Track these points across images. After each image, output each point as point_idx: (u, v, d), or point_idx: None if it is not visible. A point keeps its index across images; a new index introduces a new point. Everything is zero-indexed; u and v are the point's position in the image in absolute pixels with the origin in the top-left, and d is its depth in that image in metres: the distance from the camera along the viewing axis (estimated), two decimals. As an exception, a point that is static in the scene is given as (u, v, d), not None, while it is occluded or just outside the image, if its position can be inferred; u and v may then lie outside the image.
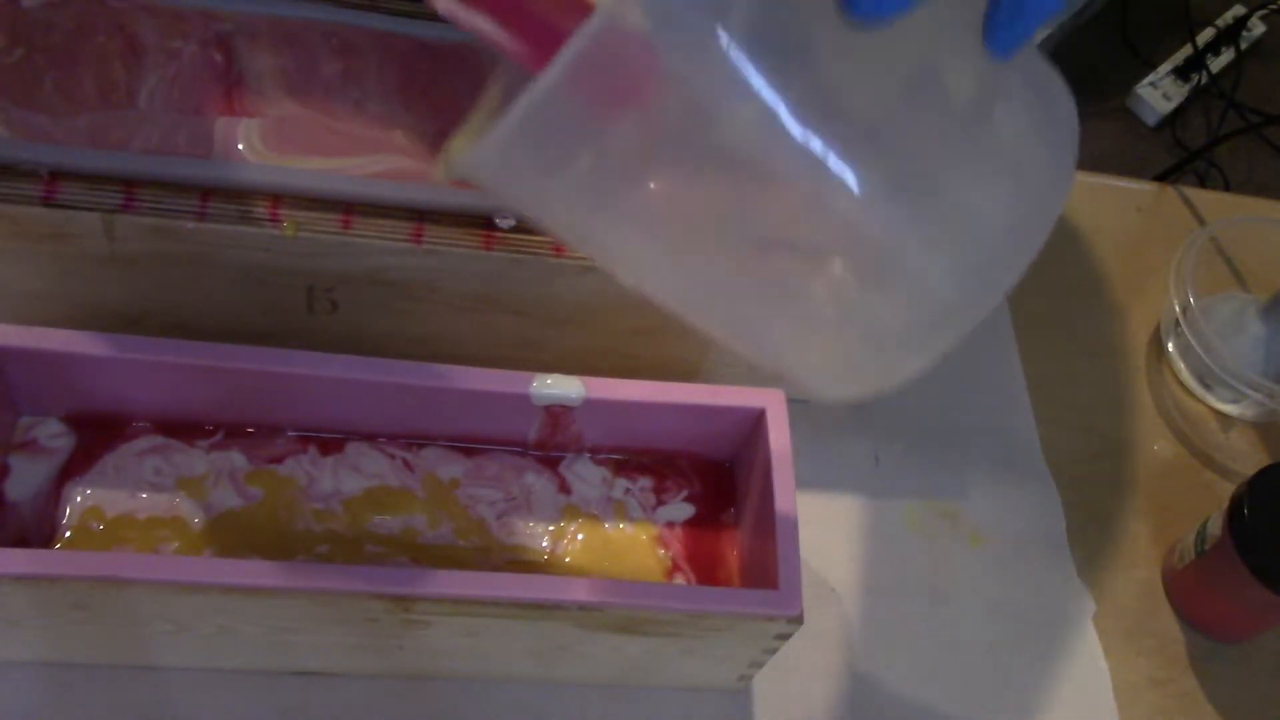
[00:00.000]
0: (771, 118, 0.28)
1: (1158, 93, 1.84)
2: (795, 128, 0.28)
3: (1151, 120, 1.84)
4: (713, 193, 0.31)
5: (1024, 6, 0.30)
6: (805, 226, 0.30)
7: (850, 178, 0.29)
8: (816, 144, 0.29)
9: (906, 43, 0.29)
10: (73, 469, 0.53)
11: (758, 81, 0.28)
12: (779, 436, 0.52)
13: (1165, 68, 1.86)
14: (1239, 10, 1.90)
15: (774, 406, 0.53)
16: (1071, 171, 0.32)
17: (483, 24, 0.34)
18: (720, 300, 0.34)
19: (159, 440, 0.54)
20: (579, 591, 0.48)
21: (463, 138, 0.36)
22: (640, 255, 0.34)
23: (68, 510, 0.52)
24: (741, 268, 0.33)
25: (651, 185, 0.31)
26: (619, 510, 0.57)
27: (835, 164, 0.29)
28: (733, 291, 0.33)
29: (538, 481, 0.56)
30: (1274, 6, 1.90)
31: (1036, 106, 0.33)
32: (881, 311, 0.32)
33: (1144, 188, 0.85)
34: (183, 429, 0.54)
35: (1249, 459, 0.72)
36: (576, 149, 0.29)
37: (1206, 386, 0.73)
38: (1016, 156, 0.32)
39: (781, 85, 0.28)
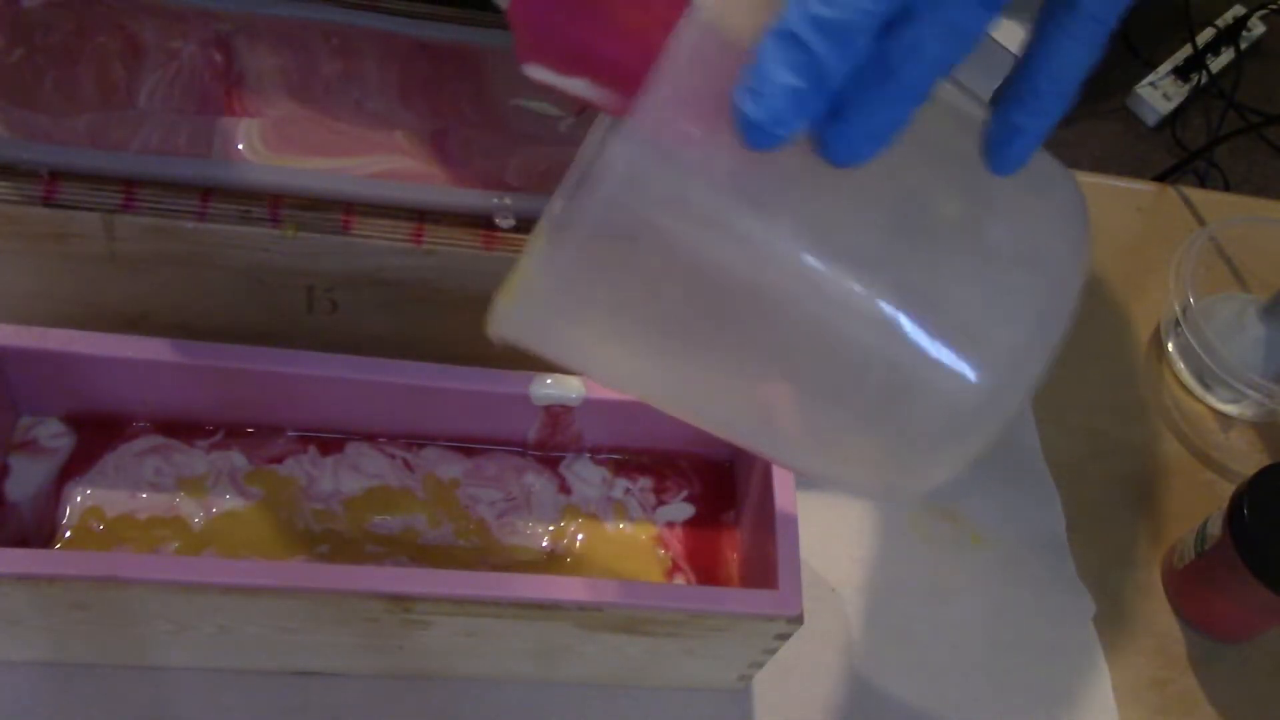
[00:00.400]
0: (769, 250, 0.30)
1: (1158, 93, 1.84)
2: (793, 257, 0.30)
3: (1151, 120, 1.84)
4: (726, 321, 0.32)
5: (1019, 135, 0.31)
6: (818, 350, 0.31)
7: (857, 300, 0.30)
8: (818, 270, 0.30)
9: (901, 163, 0.30)
10: (73, 469, 0.53)
11: (747, 220, 0.29)
12: (779, 436, 0.52)
13: (1165, 68, 1.86)
14: (1239, 10, 1.90)
15: (774, 406, 0.53)
16: (1084, 262, 0.33)
17: (580, 86, 0.34)
18: (754, 425, 0.36)
19: (159, 440, 0.54)
20: (579, 591, 0.48)
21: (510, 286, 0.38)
22: (662, 382, 0.36)
23: (68, 510, 0.52)
24: (767, 394, 0.34)
25: (672, 319, 0.33)
26: (619, 510, 0.57)
27: (841, 288, 0.30)
28: (761, 415, 0.35)
29: (538, 481, 0.56)
30: (1274, 6, 1.90)
31: (1042, 201, 0.33)
32: (906, 425, 0.33)
33: (1144, 188, 0.85)
34: (183, 429, 0.54)
35: (1249, 459, 0.72)
36: (601, 283, 0.31)
37: (1206, 386, 0.73)
38: (1023, 255, 0.32)
39: (772, 219, 0.30)
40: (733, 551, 0.56)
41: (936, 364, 0.31)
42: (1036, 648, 0.62)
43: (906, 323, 0.30)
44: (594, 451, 0.57)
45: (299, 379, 0.51)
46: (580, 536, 0.56)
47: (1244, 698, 0.63)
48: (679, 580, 0.55)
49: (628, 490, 0.57)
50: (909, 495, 0.35)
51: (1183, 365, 0.74)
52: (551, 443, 0.56)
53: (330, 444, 0.55)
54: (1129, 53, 1.90)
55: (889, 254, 0.31)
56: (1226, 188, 1.69)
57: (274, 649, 0.51)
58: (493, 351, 0.58)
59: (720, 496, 0.58)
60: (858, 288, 0.30)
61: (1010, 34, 1.77)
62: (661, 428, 0.56)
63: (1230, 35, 1.85)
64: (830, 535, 0.63)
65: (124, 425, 0.54)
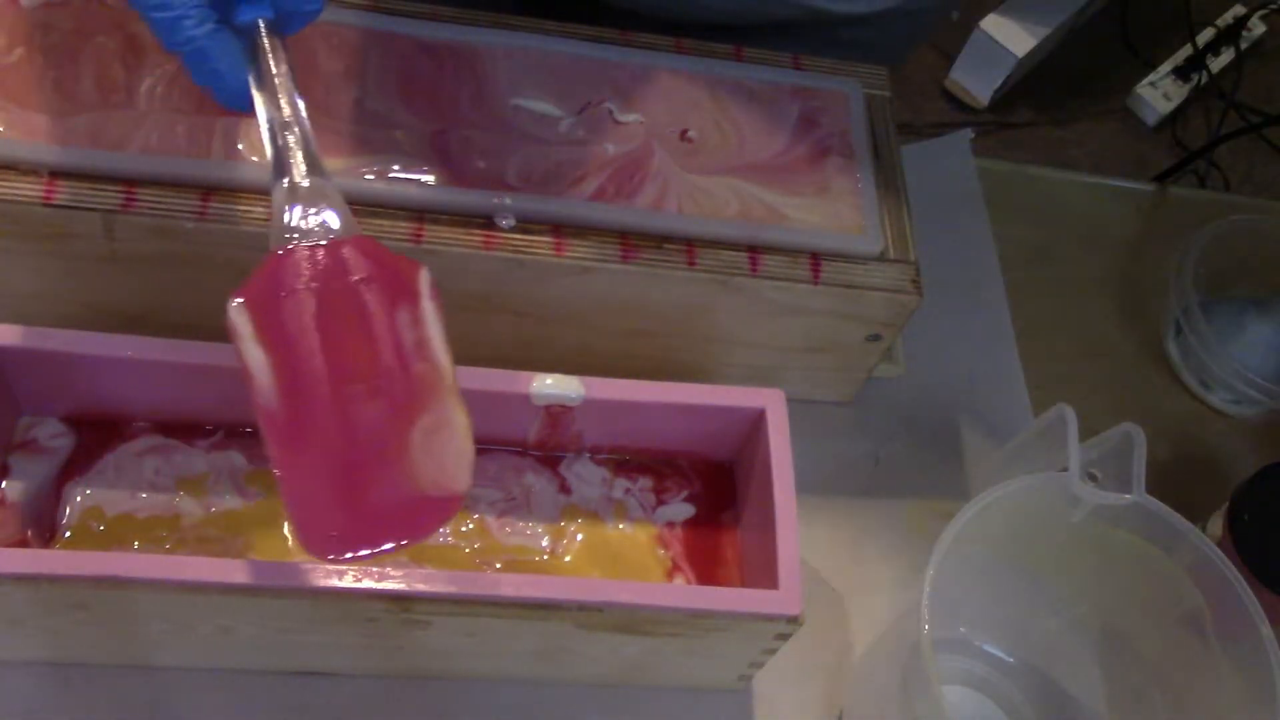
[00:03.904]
0: None
1: (1158, 93, 1.84)
2: None
3: (1151, 120, 1.84)
4: None
5: None
6: None
7: None
8: None
9: None
10: (73, 469, 0.53)
11: None
12: (779, 436, 0.52)
13: (1165, 68, 1.86)
14: (1239, 10, 1.90)
15: (774, 406, 0.53)
16: None
17: None
18: None
19: (159, 440, 0.54)
20: (579, 591, 0.48)
21: None
22: None
23: (68, 510, 0.52)
24: None
25: None
26: (619, 510, 0.57)
27: None
28: None
29: (538, 481, 0.56)
30: (1274, 6, 1.90)
31: None
32: None
33: (1144, 188, 0.85)
34: (183, 429, 0.54)
35: (1249, 459, 0.71)
36: None
37: (1206, 386, 0.73)
38: None
39: None
40: (733, 551, 0.56)
41: None
42: (1036, 648, 0.62)
43: None
44: (594, 451, 0.57)
45: (299, 379, 0.51)
46: (580, 536, 0.56)
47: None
48: (679, 580, 0.55)
49: (628, 490, 0.57)
50: None
51: (1183, 365, 0.74)
52: (551, 443, 0.56)
53: (330, 444, 0.55)
54: (1129, 53, 1.90)
55: None
56: (1226, 188, 1.69)
57: (274, 649, 0.51)
58: (493, 352, 0.58)
59: (720, 496, 0.58)
60: None
61: (1011, 33, 1.77)
62: (661, 428, 0.56)
63: (1230, 35, 1.85)
64: (830, 535, 0.63)
65: (124, 425, 0.54)
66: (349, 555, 0.40)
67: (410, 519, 0.41)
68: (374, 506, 0.41)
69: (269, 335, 0.41)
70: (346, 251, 0.42)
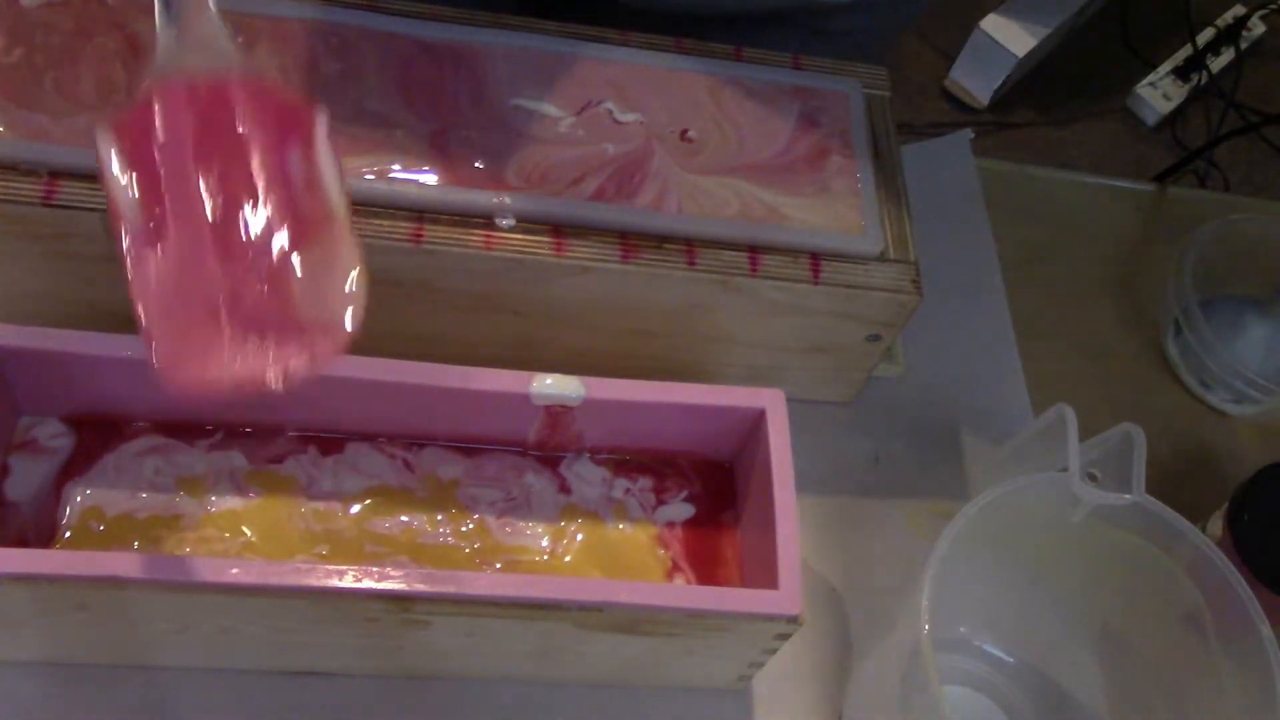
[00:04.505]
0: None
1: (1158, 93, 1.84)
2: None
3: (1151, 120, 1.84)
4: None
5: None
6: None
7: None
8: None
9: None
10: (73, 469, 0.53)
11: None
12: (779, 436, 0.52)
13: (1165, 68, 1.86)
14: (1239, 10, 1.90)
15: (774, 406, 0.53)
16: None
17: None
18: None
19: (159, 440, 0.54)
20: (579, 591, 0.48)
21: None
22: None
23: (68, 510, 0.52)
24: None
25: None
26: (619, 510, 0.57)
27: None
28: None
29: (538, 481, 0.56)
30: (1274, 6, 1.90)
31: None
32: None
33: (1144, 188, 0.85)
34: (183, 429, 0.54)
35: (1249, 459, 0.71)
36: None
37: (1206, 386, 0.73)
38: None
39: None
40: (733, 551, 0.56)
41: None
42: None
43: None
44: (594, 451, 0.57)
45: (299, 379, 0.51)
46: (580, 536, 0.56)
47: (1244, 698, 0.63)
48: (679, 580, 0.55)
49: (628, 490, 0.57)
50: None
51: (1183, 365, 0.74)
52: (551, 443, 0.56)
53: (330, 444, 0.55)
54: (1129, 53, 1.90)
55: None
56: (1226, 188, 1.69)
57: (274, 649, 0.51)
58: (493, 352, 0.58)
59: (720, 496, 0.58)
60: None
61: (1011, 33, 1.77)
62: (661, 428, 0.56)
63: (1230, 35, 1.85)
64: (830, 535, 0.63)
65: (124, 425, 0.54)
66: (212, 381, 0.38)
67: (283, 351, 0.39)
68: (244, 329, 0.39)
69: (139, 164, 0.40)
70: (230, 85, 0.41)
